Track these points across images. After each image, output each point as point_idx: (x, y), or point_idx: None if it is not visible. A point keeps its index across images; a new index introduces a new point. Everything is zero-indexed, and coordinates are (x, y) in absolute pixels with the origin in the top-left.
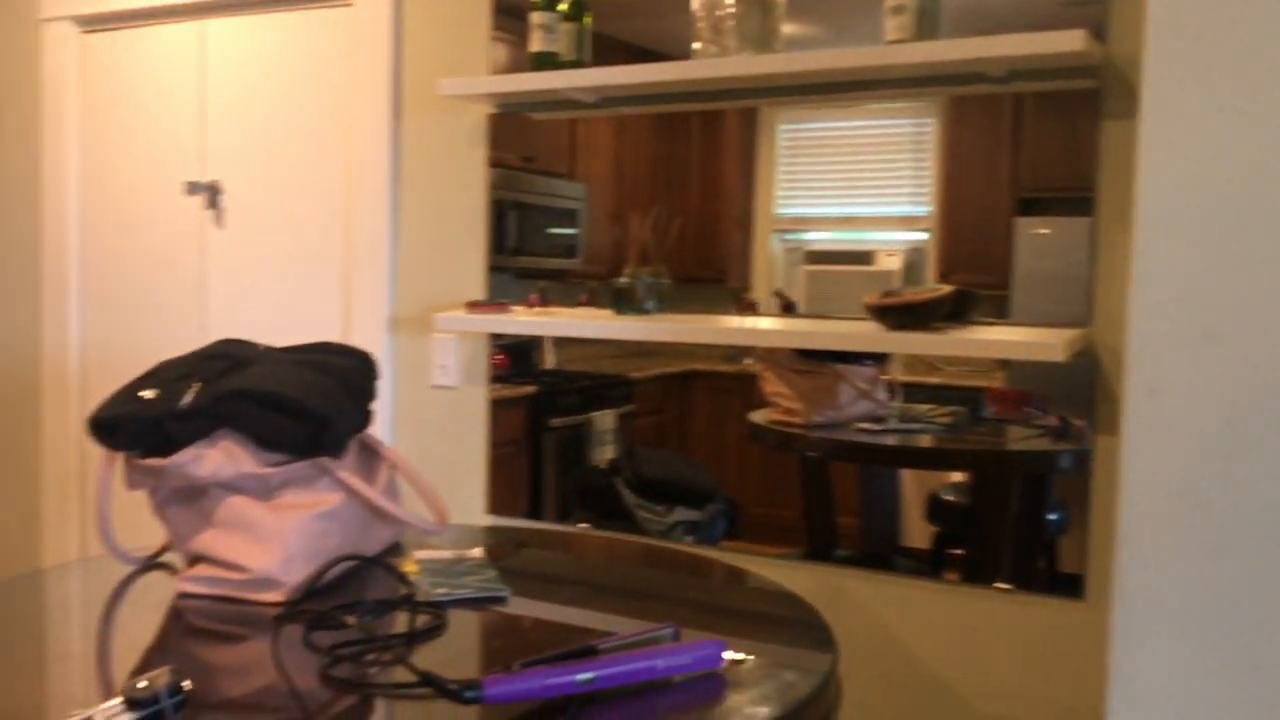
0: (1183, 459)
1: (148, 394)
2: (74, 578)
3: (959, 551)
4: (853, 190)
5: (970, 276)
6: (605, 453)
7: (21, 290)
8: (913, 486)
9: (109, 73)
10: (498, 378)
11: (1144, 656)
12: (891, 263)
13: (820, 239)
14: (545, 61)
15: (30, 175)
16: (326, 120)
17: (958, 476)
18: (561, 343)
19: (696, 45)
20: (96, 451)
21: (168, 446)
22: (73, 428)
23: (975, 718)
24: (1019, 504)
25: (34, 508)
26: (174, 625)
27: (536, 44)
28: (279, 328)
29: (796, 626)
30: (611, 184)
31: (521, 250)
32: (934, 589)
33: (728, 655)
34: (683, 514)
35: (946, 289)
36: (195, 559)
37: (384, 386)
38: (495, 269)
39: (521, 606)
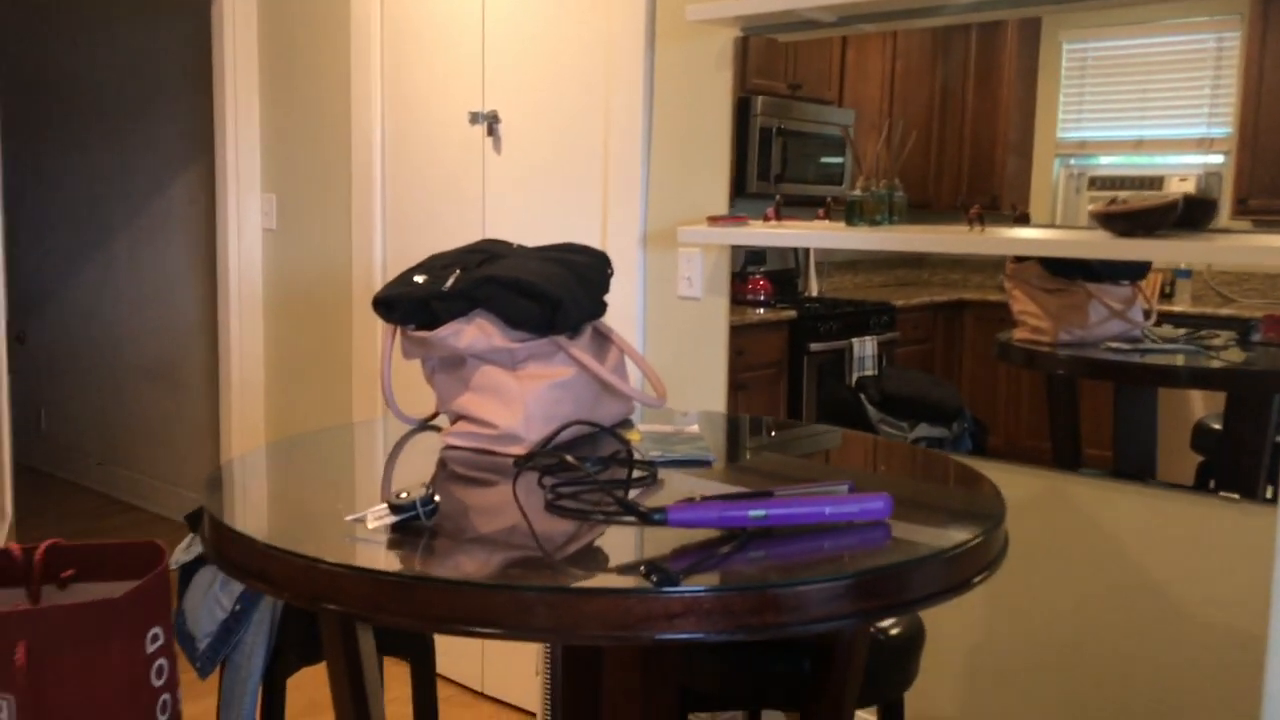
0: None
1: (418, 279)
2: (374, 431)
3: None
4: (1145, 111)
5: (1269, 201)
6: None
7: (337, 215)
8: (1178, 416)
9: (405, 16)
10: (760, 302)
11: None
12: (1184, 187)
13: (1107, 163)
14: None
15: (343, 111)
16: (588, 51)
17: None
18: (827, 270)
19: None
20: (380, 327)
21: (433, 322)
22: (377, 330)
23: (1194, 624)
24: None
25: (347, 399)
26: (441, 469)
27: None
28: (546, 239)
29: (973, 496)
30: (881, 110)
31: (786, 177)
32: (1158, 496)
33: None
34: (925, 430)
35: (1175, 196)
36: (457, 418)
37: (636, 297)
38: (760, 195)
39: (724, 470)
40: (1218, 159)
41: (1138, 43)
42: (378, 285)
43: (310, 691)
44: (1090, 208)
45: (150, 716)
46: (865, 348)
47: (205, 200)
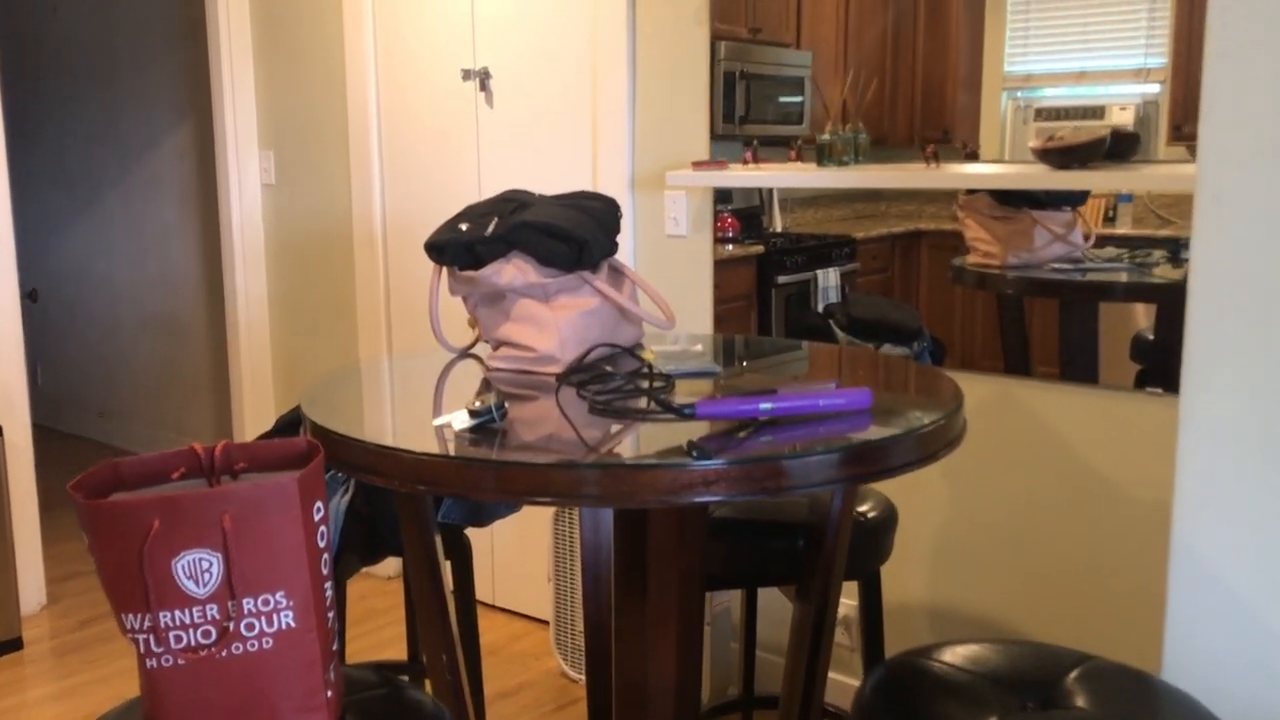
0: (1241, 255)
1: (463, 226)
2: (416, 361)
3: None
4: (1086, 44)
5: None
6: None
7: (336, 168)
8: (1117, 330)
9: None
10: (728, 239)
11: (1204, 414)
12: (1124, 116)
13: (1051, 95)
14: None
15: (338, 70)
16: (574, 9)
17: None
18: (790, 206)
19: None
20: (430, 268)
21: (477, 263)
22: (380, 278)
23: (1127, 501)
24: None
25: (352, 344)
26: (486, 388)
27: None
28: (539, 189)
29: (937, 389)
30: (837, 50)
31: (749, 118)
32: (1098, 395)
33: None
34: (889, 349)
35: (1104, 132)
36: (498, 344)
37: (626, 236)
38: (725, 138)
39: (728, 378)
40: (1154, 88)
41: None
42: (379, 235)
43: (371, 601)
44: (1030, 144)
45: (316, 569)
46: (829, 278)
47: (196, 156)
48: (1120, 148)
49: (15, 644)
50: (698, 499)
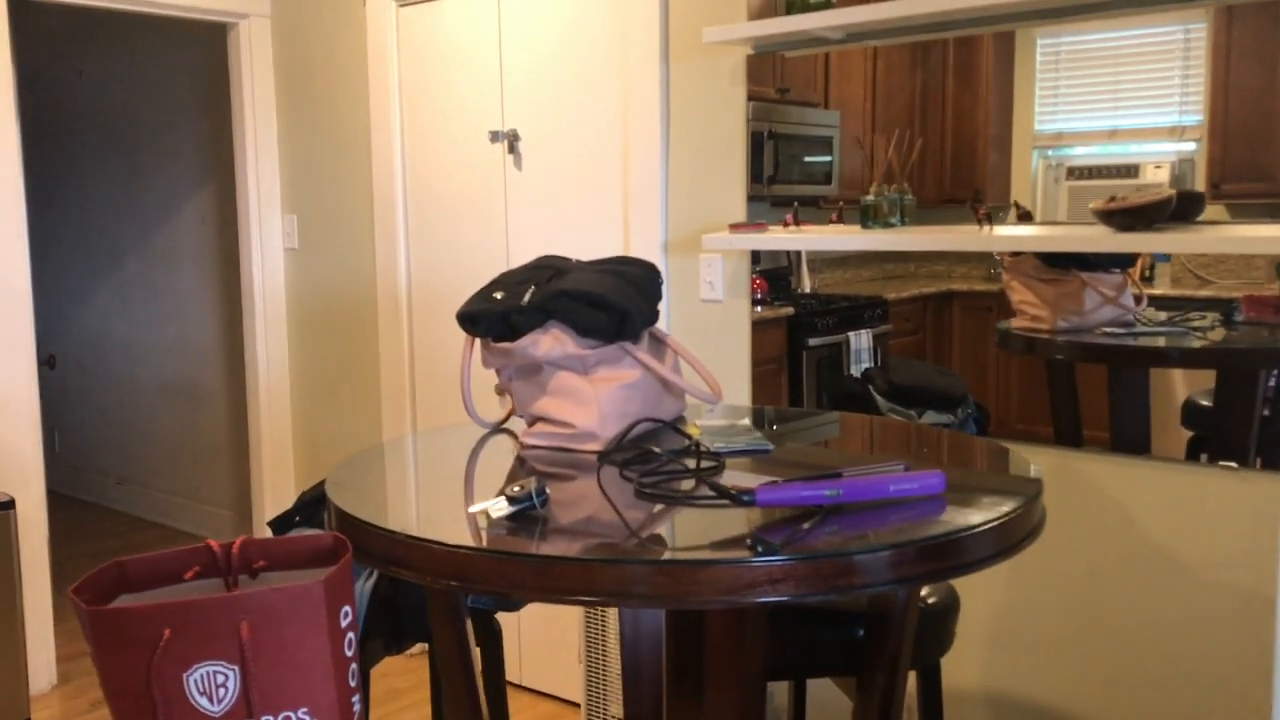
0: None
1: (497, 295)
2: (446, 436)
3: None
4: (1118, 102)
5: (1242, 185)
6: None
7: (360, 233)
8: (1166, 395)
9: (422, 41)
10: (757, 300)
11: None
12: (1159, 174)
13: (1083, 154)
14: (797, 6)
15: (363, 134)
16: (605, 70)
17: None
18: (818, 267)
19: None
20: (462, 338)
21: (513, 334)
22: (404, 345)
23: (1200, 583)
24: (1268, 402)
25: (375, 413)
26: (521, 467)
27: None
28: (570, 254)
29: (1010, 471)
30: (865, 110)
31: (777, 179)
32: (1159, 468)
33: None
34: (932, 417)
35: (1169, 192)
36: (534, 420)
37: (661, 301)
38: (753, 198)
39: (781, 456)
40: (1190, 146)
41: (1108, 36)
42: (403, 301)
43: (393, 680)
44: (1091, 205)
45: (343, 682)
46: (861, 340)
47: (216, 220)
48: (1185, 208)
49: None
50: (761, 599)
